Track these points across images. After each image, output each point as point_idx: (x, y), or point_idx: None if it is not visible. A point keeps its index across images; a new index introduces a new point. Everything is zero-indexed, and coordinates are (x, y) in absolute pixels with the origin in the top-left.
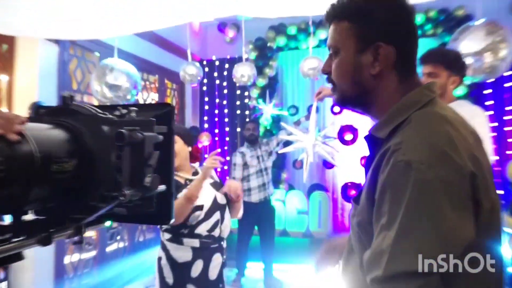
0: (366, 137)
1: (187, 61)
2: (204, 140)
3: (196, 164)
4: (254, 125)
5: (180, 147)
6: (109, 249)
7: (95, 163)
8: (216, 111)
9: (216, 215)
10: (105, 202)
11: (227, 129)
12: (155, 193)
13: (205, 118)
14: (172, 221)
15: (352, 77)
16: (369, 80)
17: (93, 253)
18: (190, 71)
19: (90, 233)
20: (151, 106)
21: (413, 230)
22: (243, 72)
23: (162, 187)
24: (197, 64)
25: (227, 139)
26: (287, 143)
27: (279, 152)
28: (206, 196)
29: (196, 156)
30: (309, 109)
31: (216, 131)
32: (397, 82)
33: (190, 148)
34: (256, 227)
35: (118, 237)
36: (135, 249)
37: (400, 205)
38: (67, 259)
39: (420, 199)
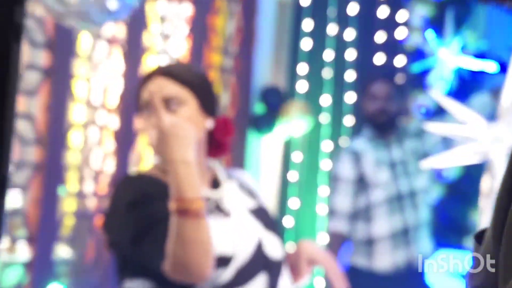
0: None
1: None
2: (296, 115)
3: (216, 164)
4: (388, 88)
5: (192, 115)
6: None
7: None
8: (329, 56)
9: (260, 281)
10: None
11: (350, 96)
12: None
13: (302, 69)
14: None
15: None
16: None
17: None
18: None
19: None
20: None
21: None
22: None
23: None
24: None
25: (350, 118)
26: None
27: (424, 167)
28: (239, 236)
29: (221, 141)
30: None
31: (326, 99)
32: None
33: (211, 122)
34: None
35: None
36: None
37: None
38: None
39: None
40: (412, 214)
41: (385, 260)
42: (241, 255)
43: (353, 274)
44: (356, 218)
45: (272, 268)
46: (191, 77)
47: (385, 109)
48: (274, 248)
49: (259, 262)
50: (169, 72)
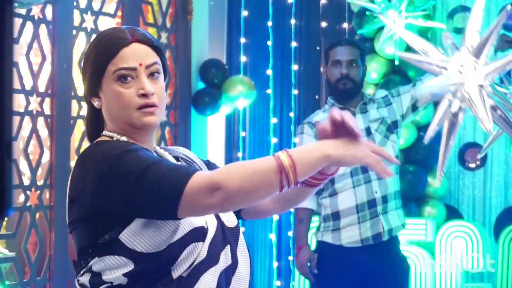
0: None
1: None
2: (237, 90)
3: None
4: (350, 54)
5: (163, 83)
6: None
7: None
8: (269, 24)
9: (226, 252)
10: None
11: (294, 67)
12: None
13: (242, 41)
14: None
15: None
16: None
17: None
18: None
19: None
20: None
21: None
22: None
23: None
24: None
25: (295, 91)
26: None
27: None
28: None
29: None
30: None
31: (269, 72)
32: None
33: None
34: None
35: None
36: None
37: None
38: None
39: None
40: (377, 185)
41: (351, 234)
42: (211, 227)
43: (322, 249)
44: (321, 193)
45: (231, 237)
46: (156, 42)
47: (345, 77)
48: (229, 217)
49: (222, 232)
50: (143, 38)
